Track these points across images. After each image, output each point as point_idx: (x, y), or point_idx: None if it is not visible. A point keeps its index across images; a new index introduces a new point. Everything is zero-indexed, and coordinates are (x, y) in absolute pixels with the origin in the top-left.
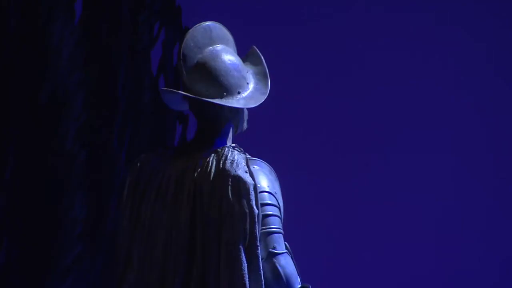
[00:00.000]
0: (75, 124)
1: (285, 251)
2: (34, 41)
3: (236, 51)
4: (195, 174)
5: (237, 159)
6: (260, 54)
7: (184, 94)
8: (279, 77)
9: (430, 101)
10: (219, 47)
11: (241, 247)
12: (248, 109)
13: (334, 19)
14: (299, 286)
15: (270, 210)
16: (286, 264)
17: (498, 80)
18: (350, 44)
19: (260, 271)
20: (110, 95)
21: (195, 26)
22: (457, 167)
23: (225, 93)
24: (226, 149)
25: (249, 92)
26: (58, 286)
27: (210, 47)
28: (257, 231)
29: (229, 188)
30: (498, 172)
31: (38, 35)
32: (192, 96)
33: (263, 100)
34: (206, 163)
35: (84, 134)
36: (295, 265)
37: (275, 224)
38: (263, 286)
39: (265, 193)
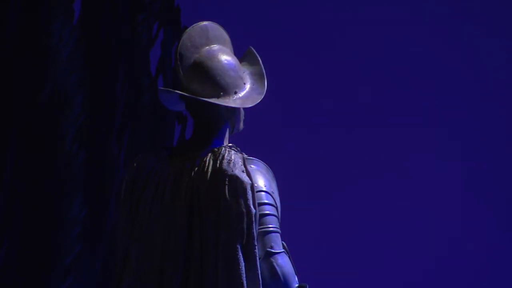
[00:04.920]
0: (75, 124)
1: (283, 250)
2: (34, 41)
3: (232, 51)
4: (193, 174)
5: (234, 159)
6: (257, 55)
7: (180, 94)
8: (276, 78)
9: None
10: (215, 47)
11: (238, 246)
12: (245, 109)
13: (333, 20)
14: (297, 285)
15: (267, 210)
16: (284, 263)
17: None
18: (349, 45)
19: (258, 270)
20: (109, 95)
21: (192, 26)
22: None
23: (221, 93)
24: (223, 148)
25: (245, 92)
26: (58, 286)
27: (207, 47)
28: (255, 230)
29: (226, 187)
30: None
31: (38, 35)
32: (189, 95)
33: (259, 100)
34: (203, 163)
35: (83, 134)
36: (292, 264)
37: (273, 224)
38: (261, 285)
39: (262, 193)
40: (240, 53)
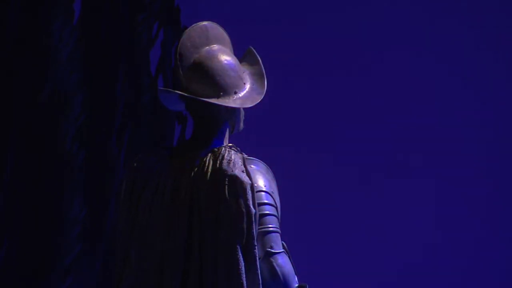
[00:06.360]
0: (75, 124)
1: (282, 250)
2: (34, 41)
3: (232, 51)
4: (192, 174)
5: (234, 159)
6: (257, 54)
7: (180, 94)
8: (275, 77)
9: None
10: (215, 47)
11: (238, 246)
12: (245, 109)
13: (333, 19)
14: (297, 285)
15: (267, 210)
16: (284, 263)
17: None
18: (349, 44)
19: (258, 270)
20: (109, 95)
21: (192, 26)
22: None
23: (221, 93)
24: (223, 148)
25: (245, 92)
26: (58, 286)
27: (207, 47)
28: (254, 230)
29: (226, 187)
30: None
31: (38, 35)
32: (189, 95)
33: (259, 100)
34: (203, 163)
35: (83, 134)
36: (292, 264)
37: (272, 224)
38: (261, 285)
39: (262, 193)
40: (240, 53)
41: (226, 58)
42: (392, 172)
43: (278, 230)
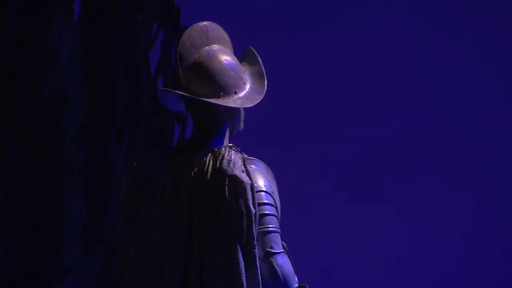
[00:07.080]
0: (75, 124)
1: (282, 250)
2: (34, 41)
3: (232, 51)
4: (192, 174)
5: (234, 159)
6: (257, 55)
7: (180, 94)
8: (276, 77)
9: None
10: (215, 47)
11: (238, 246)
12: (245, 109)
13: (332, 19)
14: (297, 285)
15: (267, 210)
16: (284, 263)
17: None
18: (349, 45)
19: (257, 270)
20: (109, 95)
21: (192, 26)
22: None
23: (221, 93)
24: (223, 148)
25: (245, 92)
26: (58, 286)
27: (207, 47)
28: (254, 230)
29: (226, 187)
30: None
31: (38, 35)
32: (189, 95)
33: (259, 100)
34: (203, 163)
35: (83, 134)
36: (292, 264)
37: (272, 224)
38: (260, 285)
39: (262, 193)
40: (240, 53)
41: (226, 58)
42: (392, 172)
43: (278, 230)
